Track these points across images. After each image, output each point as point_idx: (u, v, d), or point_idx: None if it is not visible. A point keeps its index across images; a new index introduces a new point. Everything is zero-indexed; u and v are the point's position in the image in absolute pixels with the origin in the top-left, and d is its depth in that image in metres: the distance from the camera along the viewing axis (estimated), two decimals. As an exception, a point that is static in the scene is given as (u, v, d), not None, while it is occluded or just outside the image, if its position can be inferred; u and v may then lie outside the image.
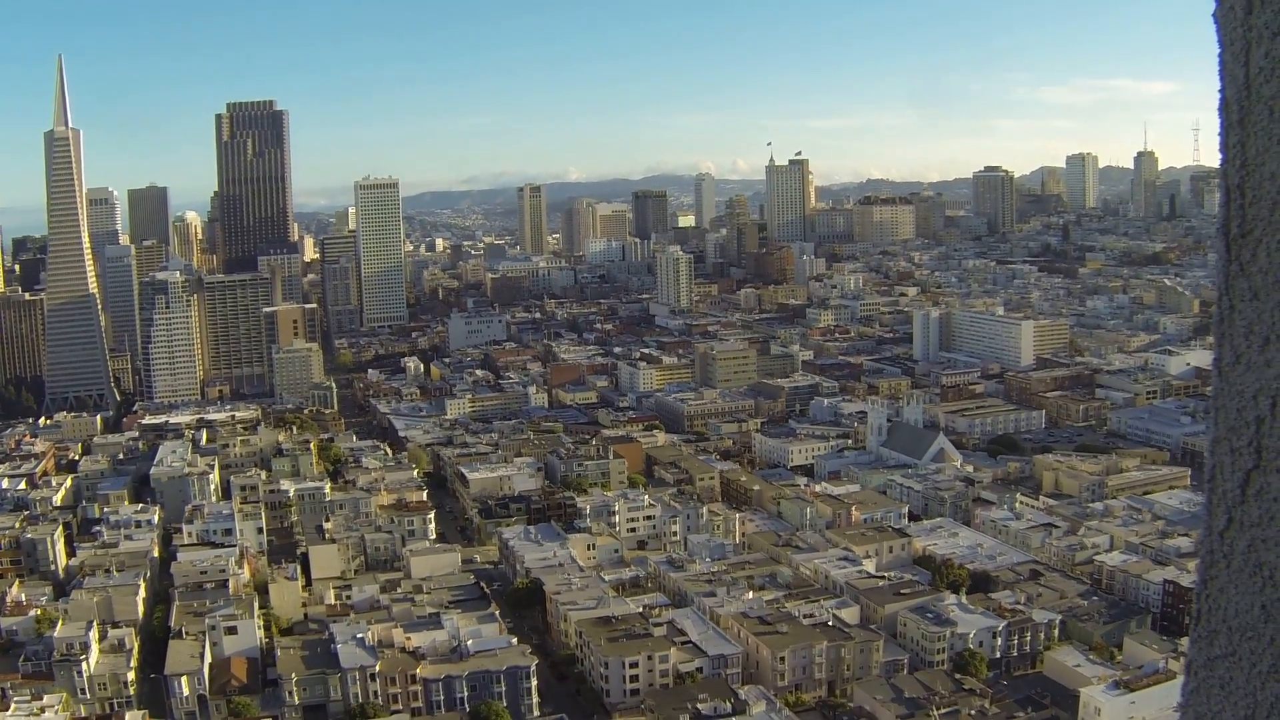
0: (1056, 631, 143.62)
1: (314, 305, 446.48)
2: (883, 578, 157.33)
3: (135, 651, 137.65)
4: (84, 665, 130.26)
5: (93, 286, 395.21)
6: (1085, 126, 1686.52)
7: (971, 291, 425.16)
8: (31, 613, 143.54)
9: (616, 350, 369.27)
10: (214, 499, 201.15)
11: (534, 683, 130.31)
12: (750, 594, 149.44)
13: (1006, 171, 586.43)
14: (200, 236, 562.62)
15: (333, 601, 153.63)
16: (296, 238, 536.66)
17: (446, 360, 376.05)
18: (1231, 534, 3.00)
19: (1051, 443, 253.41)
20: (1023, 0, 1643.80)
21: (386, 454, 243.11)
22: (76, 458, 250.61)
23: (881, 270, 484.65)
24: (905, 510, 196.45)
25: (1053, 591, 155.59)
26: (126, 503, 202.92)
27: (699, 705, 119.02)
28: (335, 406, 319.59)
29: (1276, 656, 3.23)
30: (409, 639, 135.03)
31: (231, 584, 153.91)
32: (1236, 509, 3.00)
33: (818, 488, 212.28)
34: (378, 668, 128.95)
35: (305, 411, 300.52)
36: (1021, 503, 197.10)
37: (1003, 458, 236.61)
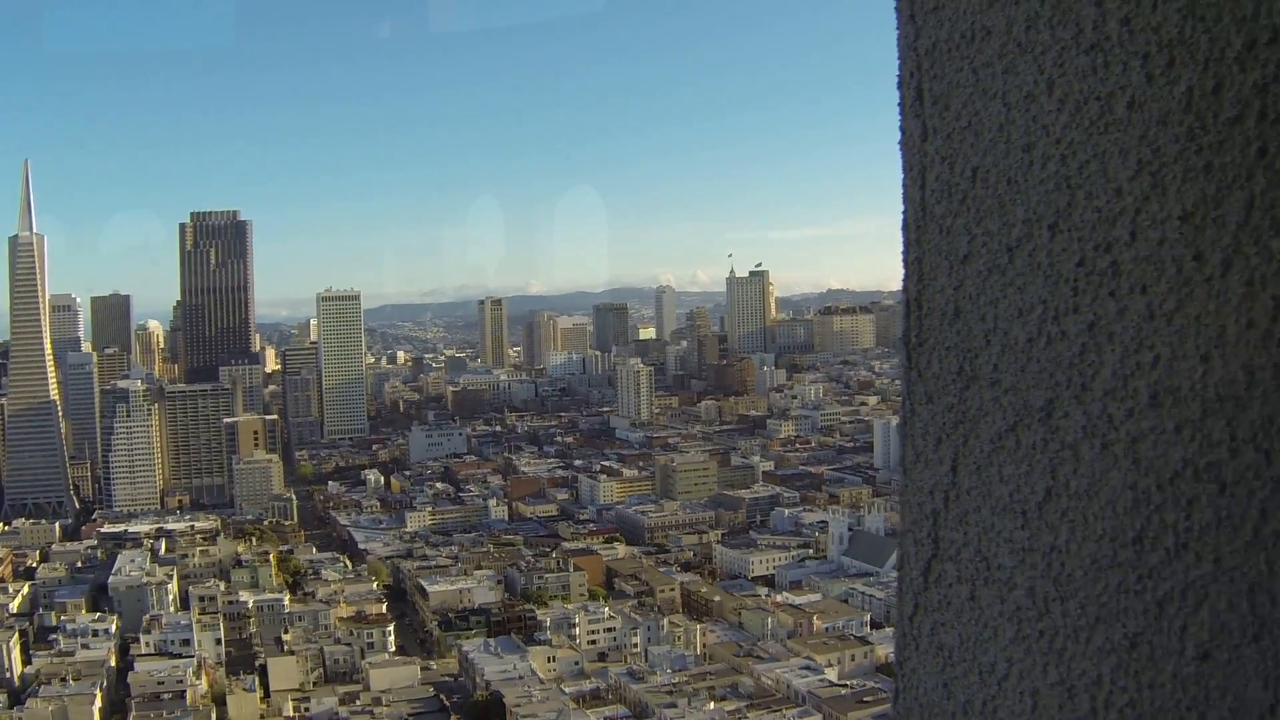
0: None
1: (275, 416, 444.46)
2: (845, 686, 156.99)
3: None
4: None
5: (54, 393, 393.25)
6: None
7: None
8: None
9: (577, 463, 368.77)
10: (172, 609, 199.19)
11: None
12: (712, 705, 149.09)
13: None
14: (162, 345, 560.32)
15: (291, 714, 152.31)
16: (258, 348, 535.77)
17: (407, 473, 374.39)
18: (919, 619, 3.13)
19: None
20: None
21: (346, 566, 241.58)
22: (34, 564, 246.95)
23: (842, 380, 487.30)
24: (867, 618, 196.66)
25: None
26: (84, 611, 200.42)
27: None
28: (295, 518, 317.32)
29: None
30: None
31: (189, 695, 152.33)
32: (921, 595, 3.12)
33: (779, 597, 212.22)
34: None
35: (265, 523, 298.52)
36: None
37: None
